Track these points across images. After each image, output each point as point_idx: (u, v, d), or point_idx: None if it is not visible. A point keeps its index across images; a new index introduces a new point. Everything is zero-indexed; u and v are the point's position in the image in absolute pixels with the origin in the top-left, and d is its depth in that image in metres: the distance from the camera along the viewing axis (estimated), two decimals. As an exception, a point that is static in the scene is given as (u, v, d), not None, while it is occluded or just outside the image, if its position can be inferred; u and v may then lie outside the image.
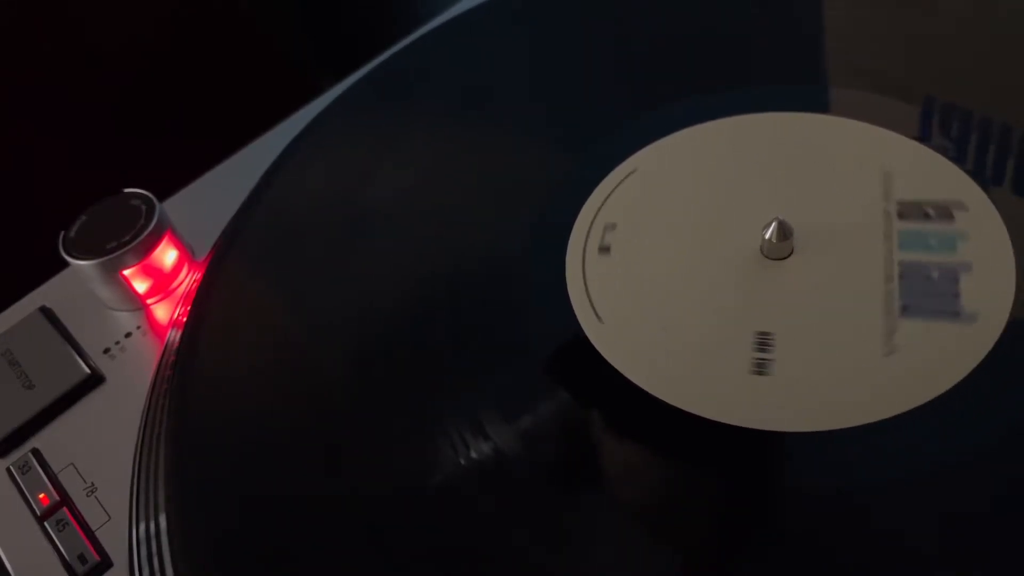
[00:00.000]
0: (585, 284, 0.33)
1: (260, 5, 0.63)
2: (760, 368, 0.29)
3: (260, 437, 0.32)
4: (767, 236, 0.32)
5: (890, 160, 0.34)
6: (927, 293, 0.30)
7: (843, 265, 0.32)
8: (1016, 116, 0.35)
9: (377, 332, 0.34)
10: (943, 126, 0.35)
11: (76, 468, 0.34)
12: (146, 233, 0.37)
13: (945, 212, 0.32)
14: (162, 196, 0.40)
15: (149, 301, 0.39)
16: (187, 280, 0.39)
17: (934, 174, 0.33)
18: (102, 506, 0.33)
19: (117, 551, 0.32)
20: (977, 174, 0.33)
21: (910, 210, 0.32)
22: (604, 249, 0.34)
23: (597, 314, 0.32)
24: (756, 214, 0.33)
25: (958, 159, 0.34)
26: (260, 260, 0.38)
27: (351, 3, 0.65)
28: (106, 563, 0.31)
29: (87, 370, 0.37)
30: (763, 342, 0.30)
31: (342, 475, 0.30)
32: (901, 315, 0.30)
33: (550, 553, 0.27)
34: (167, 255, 0.39)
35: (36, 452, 0.35)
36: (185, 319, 0.36)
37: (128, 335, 0.38)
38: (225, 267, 0.38)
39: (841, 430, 0.27)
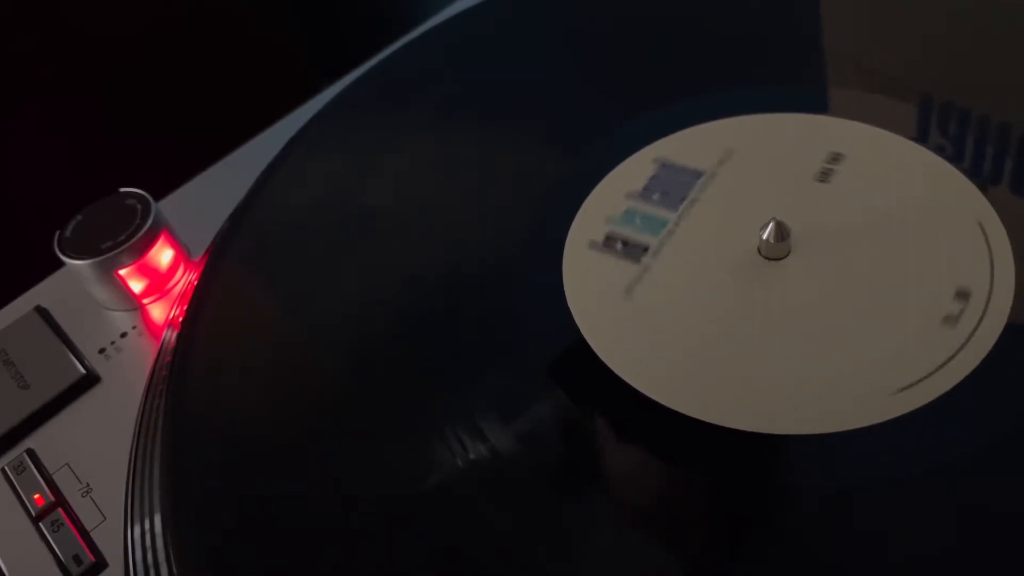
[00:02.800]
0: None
1: (256, 4, 0.63)
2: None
3: (256, 438, 0.32)
4: (764, 236, 0.32)
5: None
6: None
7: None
8: (1014, 115, 0.35)
9: (373, 333, 0.34)
10: (941, 126, 0.35)
11: (71, 468, 0.34)
12: (142, 233, 0.37)
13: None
14: (158, 196, 0.40)
15: (145, 301, 0.39)
16: (183, 280, 0.39)
17: (931, 175, 0.33)
18: (97, 507, 0.33)
19: (112, 552, 0.31)
20: (975, 173, 0.33)
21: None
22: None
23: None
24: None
25: (955, 158, 0.34)
26: (256, 260, 0.38)
27: (348, 3, 0.65)
28: (101, 564, 0.31)
29: (82, 370, 0.37)
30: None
31: (338, 476, 0.30)
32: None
33: (548, 555, 0.27)
34: (163, 255, 0.39)
35: (31, 452, 0.35)
36: (181, 319, 0.36)
37: (124, 335, 0.38)
38: (221, 267, 0.37)
39: (840, 432, 0.27)
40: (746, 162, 0.36)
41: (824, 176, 0.35)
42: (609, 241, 0.34)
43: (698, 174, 0.36)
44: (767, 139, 0.36)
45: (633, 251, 0.34)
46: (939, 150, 0.34)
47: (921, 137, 0.35)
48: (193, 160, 0.45)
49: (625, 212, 0.35)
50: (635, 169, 0.36)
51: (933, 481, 0.26)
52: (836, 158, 0.35)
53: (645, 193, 0.35)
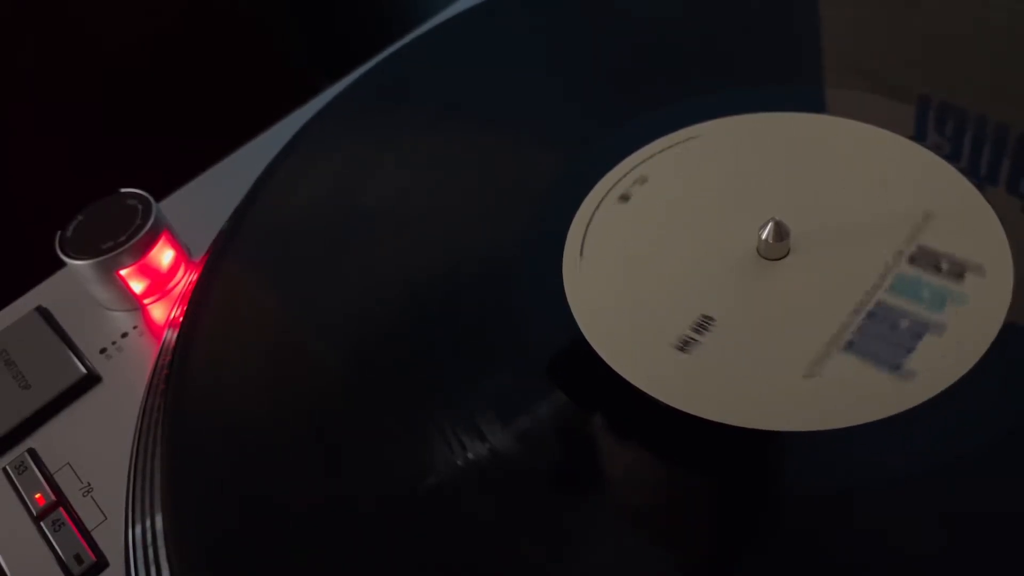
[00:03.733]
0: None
1: (257, 5, 0.63)
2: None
3: (256, 437, 0.32)
4: (763, 236, 0.32)
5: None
6: (882, 339, 0.29)
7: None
8: (1011, 115, 0.35)
9: (374, 333, 0.34)
10: (938, 125, 0.35)
11: (72, 468, 0.34)
12: (143, 233, 0.37)
13: (958, 271, 0.31)
14: (159, 196, 0.40)
15: (146, 301, 0.39)
16: (184, 280, 0.39)
17: (929, 174, 0.34)
18: (98, 506, 0.33)
19: (113, 551, 0.32)
20: (972, 173, 0.33)
21: (923, 257, 0.31)
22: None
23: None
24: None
25: (952, 158, 0.34)
26: (257, 260, 0.38)
27: (348, 3, 0.65)
28: (102, 563, 0.31)
29: (83, 370, 0.37)
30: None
31: (339, 476, 0.30)
32: (844, 350, 0.29)
33: (548, 555, 0.27)
34: (164, 255, 0.39)
35: (32, 452, 0.35)
36: (182, 319, 0.36)
37: (125, 335, 0.38)
38: (222, 267, 0.38)
39: (841, 430, 0.27)
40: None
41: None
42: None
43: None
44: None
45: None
46: (936, 149, 0.34)
47: (919, 136, 0.35)
48: (193, 161, 0.45)
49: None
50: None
51: (935, 480, 0.26)
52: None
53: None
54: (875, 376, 0.28)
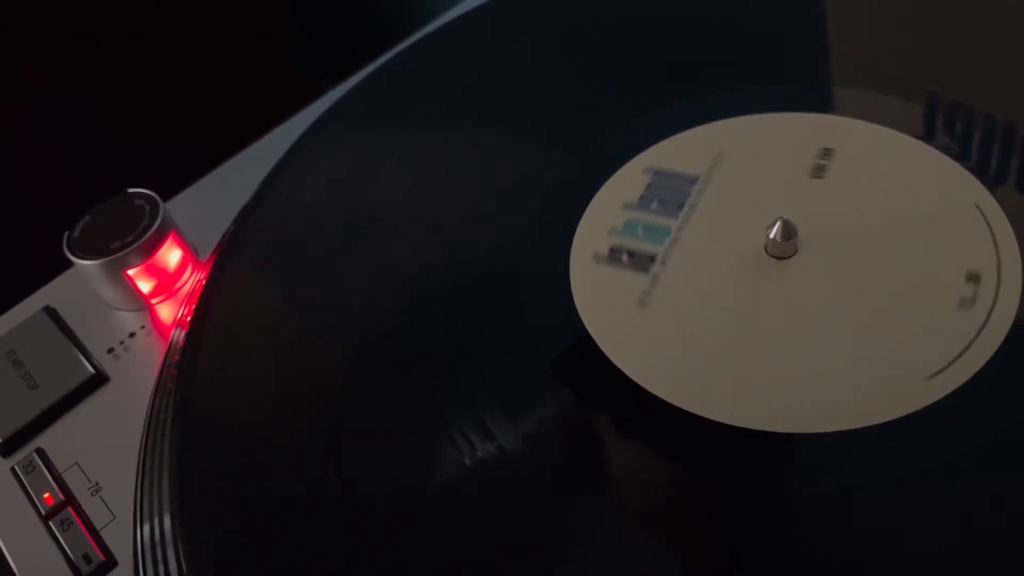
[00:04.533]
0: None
1: (262, 5, 0.63)
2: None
3: (264, 437, 0.32)
4: (771, 235, 0.32)
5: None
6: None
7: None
8: (1020, 114, 0.35)
9: (381, 333, 0.34)
10: (947, 125, 0.35)
11: (80, 467, 0.34)
12: (150, 233, 0.37)
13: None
14: (166, 196, 0.40)
15: (153, 301, 0.39)
16: (191, 280, 0.40)
17: (937, 173, 0.34)
18: (107, 505, 0.33)
19: (122, 550, 0.32)
20: (981, 172, 0.33)
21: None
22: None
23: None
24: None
25: (962, 157, 0.34)
26: (263, 260, 0.38)
27: (351, 5, 0.65)
28: (111, 562, 0.31)
29: (91, 370, 0.37)
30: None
31: (346, 475, 0.30)
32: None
33: (553, 553, 0.27)
34: (171, 255, 0.39)
35: (40, 452, 0.35)
36: (189, 319, 0.36)
37: (132, 335, 0.38)
38: (229, 267, 0.38)
39: (844, 431, 0.27)
40: (750, 162, 0.36)
41: (831, 174, 0.35)
42: (614, 253, 0.34)
43: (693, 179, 0.36)
44: (771, 139, 0.36)
45: (641, 262, 0.34)
46: (945, 149, 0.34)
47: (927, 136, 0.35)
48: (197, 161, 0.45)
49: (625, 224, 0.35)
50: (629, 178, 0.36)
51: (939, 481, 0.26)
52: (842, 157, 0.35)
53: (643, 203, 0.35)
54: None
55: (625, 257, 0.34)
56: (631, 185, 0.36)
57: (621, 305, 0.32)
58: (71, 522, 0.32)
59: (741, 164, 0.36)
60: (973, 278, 0.30)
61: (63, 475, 0.34)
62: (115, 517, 0.33)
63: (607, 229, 0.35)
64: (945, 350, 0.29)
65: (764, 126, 0.37)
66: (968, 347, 0.29)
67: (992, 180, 0.33)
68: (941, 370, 0.28)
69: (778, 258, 0.32)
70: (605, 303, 0.32)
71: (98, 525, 0.32)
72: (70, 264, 0.38)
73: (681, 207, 0.35)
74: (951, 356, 0.28)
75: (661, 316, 0.32)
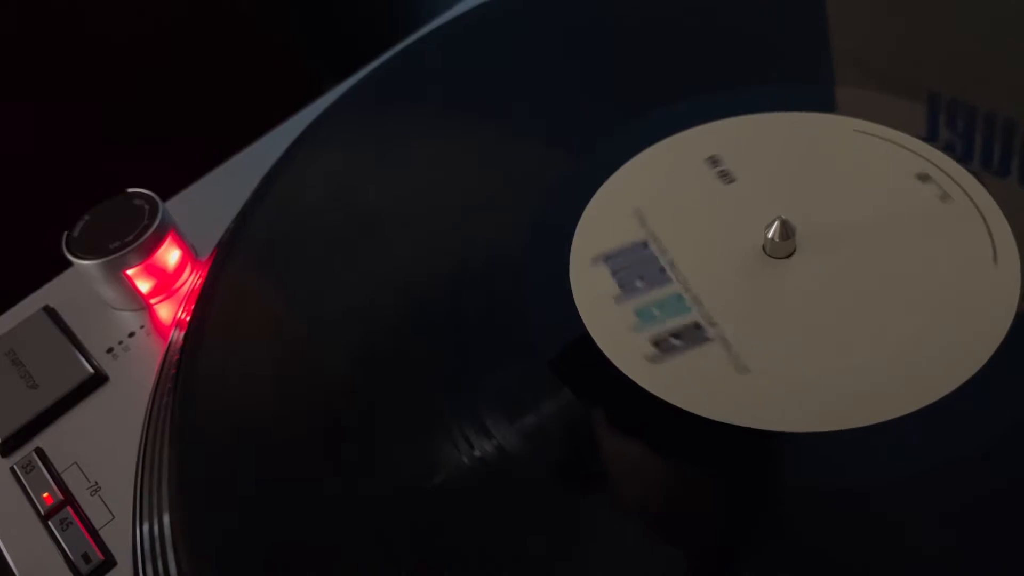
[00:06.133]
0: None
1: (260, 6, 0.63)
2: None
3: (263, 437, 0.32)
4: (770, 235, 0.32)
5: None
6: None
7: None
8: (1022, 113, 0.35)
9: (381, 332, 0.34)
10: (949, 124, 0.35)
11: (80, 467, 0.34)
12: (149, 233, 0.37)
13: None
14: (165, 196, 0.40)
15: (152, 301, 0.39)
16: (190, 280, 0.40)
17: (938, 173, 0.34)
18: (106, 505, 0.33)
19: (121, 550, 0.32)
20: (981, 172, 0.33)
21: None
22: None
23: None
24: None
25: (963, 157, 0.34)
26: (263, 260, 0.38)
27: (351, 4, 0.65)
28: (110, 562, 0.31)
29: (90, 370, 0.37)
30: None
31: (346, 474, 0.30)
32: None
33: (553, 552, 0.27)
34: (170, 255, 0.39)
35: (40, 451, 0.35)
36: (188, 319, 0.36)
37: (131, 335, 0.38)
38: (228, 267, 0.38)
39: (843, 431, 0.27)
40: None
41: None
42: (663, 346, 0.31)
43: (644, 244, 0.34)
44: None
45: (692, 334, 0.31)
46: (946, 148, 0.34)
47: (929, 135, 0.35)
48: (196, 161, 0.45)
49: (638, 315, 0.32)
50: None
51: (937, 480, 0.26)
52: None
53: (628, 292, 0.33)
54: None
55: (677, 342, 0.31)
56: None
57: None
58: (70, 522, 0.32)
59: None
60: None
61: (62, 475, 0.34)
62: (114, 517, 0.33)
63: (628, 327, 0.32)
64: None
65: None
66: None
67: (992, 179, 0.33)
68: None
69: (776, 257, 0.32)
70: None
71: (97, 525, 0.33)
72: (69, 264, 0.38)
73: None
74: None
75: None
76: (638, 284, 0.33)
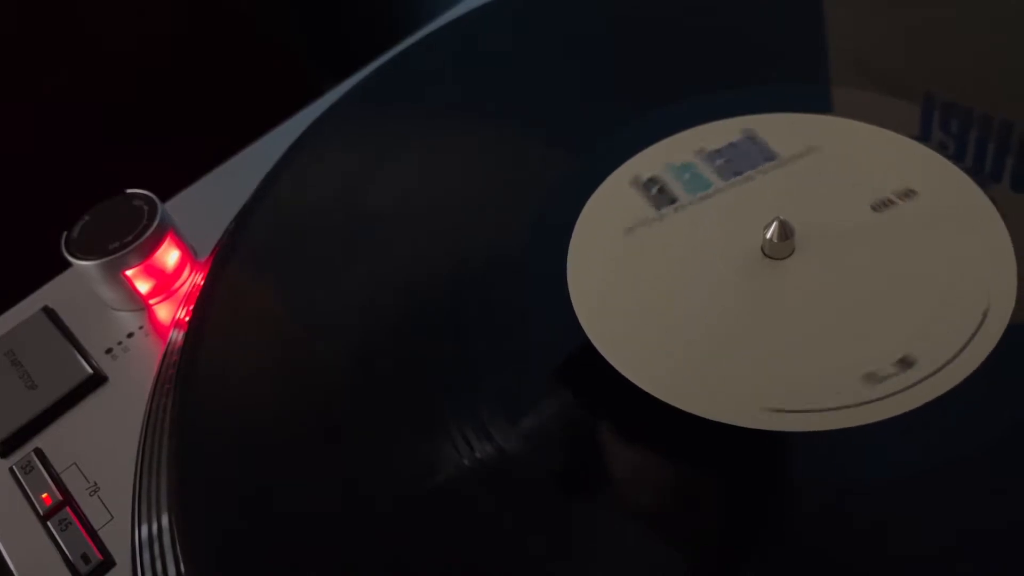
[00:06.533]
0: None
1: (260, 7, 0.63)
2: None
3: (262, 437, 0.32)
4: (768, 236, 0.32)
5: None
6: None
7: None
8: (1017, 114, 0.35)
9: (380, 333, 0.34)
10: (943, 124, 0.35)
11: (79, 468, 0.34)
12: (148, 234, 0.38)
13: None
14: (164, 197, 0.40)
15: (151, 301, 0.39)
16: (189, 281, 0.40)
17: (933, 173, 0.34)
18: (105, 505, 0.33)
19: (120, 550, 0.32)
20: (976, 172, 0.33)
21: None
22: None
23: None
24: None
25: (957, 157, 0.34)
26: (262, 261, 0.38)
27: (351, 5, 0.65)
28: (109, 562, 0.31)
29: (89, 370, 0.37)
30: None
31: (345, 476, 0.30)
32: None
33: (554, 554, 0.27)
34: (169, 256, 0.39)
35: (39, 452, 0.35)
36: (187, 319, 0.36)
37: (130, 335, 0.38)
38: (227, 268, 0.38)
39: (842, 430, 0.27)
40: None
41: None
42: (651, 183, 0.35)
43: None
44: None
45: (661, 199, 0.35)
46: (941, 148, 0.34)
47: (923, 136, 0.35)
48: (196, 162, 0.45)
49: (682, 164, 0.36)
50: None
51: (935, 479, 0.26)
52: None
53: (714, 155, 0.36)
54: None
55: (655, 191, 0.35)
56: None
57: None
58: (69, 522, 0.33)
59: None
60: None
61: (61, 475, 0.34)
62: (113, 517, 0.33)
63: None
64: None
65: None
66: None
67: (987, 179, 0.33)
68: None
69: (775, 258, 0.32)
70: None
71: (96, 525, 0.33)
72: (68, 264, 0.38)
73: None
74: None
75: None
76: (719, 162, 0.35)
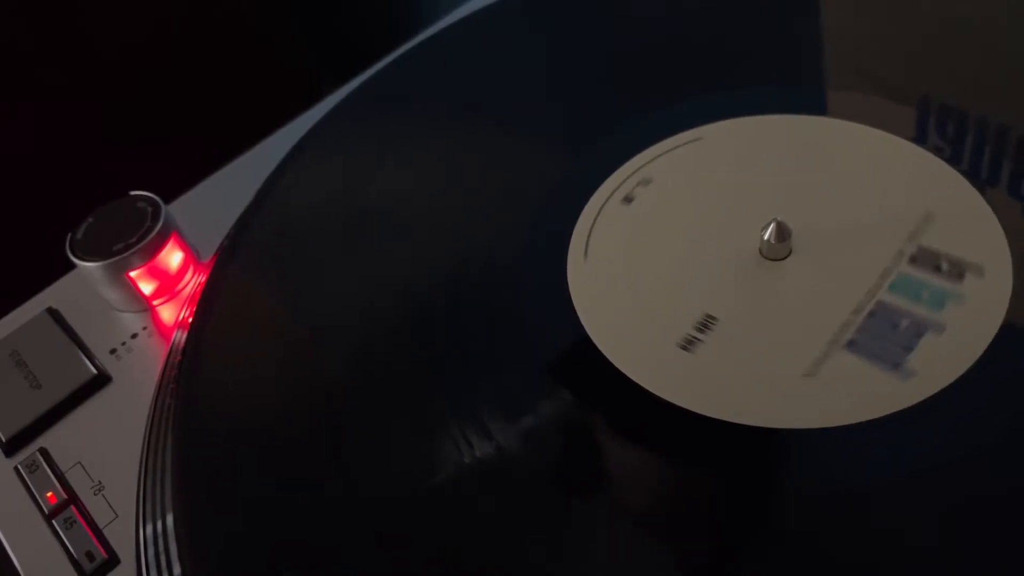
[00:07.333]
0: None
1: (263, 7, 0.63)
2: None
3: (265, 437, 0.32)
4: (765, 237, 0.32)
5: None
6: (883, 338, 0.30)
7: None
8: (1013, 117, 0.35)
9: (381, 334, 0.34)
10: (939, 128, 0.35)
11: (83, 467, 0.35)
12: (152, 235, 0.38)
13: (957, 272, 0.31)
14: (168, 198, 0.41)
15: (155, 302, 0.39)
16: (192, 282, 0.40)
17: (928, 175, 0.34)
18: (109, 504, 0.33)
19: (124, 549, 0.32)
20: (973, 175, 0.33)
21: (923, 258, 0.31)
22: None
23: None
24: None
25: (952, 160, 0.34)
26: (264, 262, 0.38)
27: (352, 8, 0.65)
28: (113, 561, 0.32)
29: (94, 370, 0.37)
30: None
31: (347, 476, 0.30)
32: (845, 349, 0.30)
33: (553, 553, 0.27)
34: (173, 257, 0.39)
35: (44, 451, 0.35)
36: (191, 320, 0.36)
37: (134, 336, 0.39)
38: (230, 269, 0.38)
39: (842, 428, 0.28)
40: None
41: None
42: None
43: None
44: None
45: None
46: (937, 151, 0.34)
47: (920, 138, 0.35)
48: (199, 164, 0.45)
49: None
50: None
51: (933, 478, 0.26)
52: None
53: None
54: (875, 375, 0.29)
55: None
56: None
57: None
58: (74, 521, 0.33)
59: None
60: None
61: (66, 474, 0.34)
62: (117, 516, 0.33)
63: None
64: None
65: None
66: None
67: (983, 182, 0.33)
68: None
69: (772, 259, 0.33)
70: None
71: (101, 524, 0.33)
72: (73, 266, 0.38)
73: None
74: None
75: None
76: None
